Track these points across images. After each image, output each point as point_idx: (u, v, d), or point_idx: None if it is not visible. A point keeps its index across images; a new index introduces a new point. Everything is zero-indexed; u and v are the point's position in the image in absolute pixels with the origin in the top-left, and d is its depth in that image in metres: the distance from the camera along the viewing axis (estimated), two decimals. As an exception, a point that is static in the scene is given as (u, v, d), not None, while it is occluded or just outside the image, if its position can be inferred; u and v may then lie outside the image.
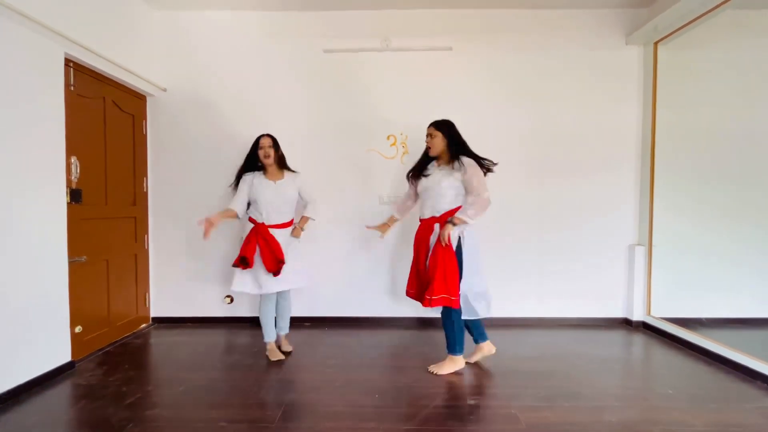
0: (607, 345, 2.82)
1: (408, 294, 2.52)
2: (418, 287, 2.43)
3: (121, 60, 2.78)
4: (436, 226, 2.30)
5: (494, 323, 3.21)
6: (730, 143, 2.80)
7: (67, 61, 2.39)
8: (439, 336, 2.93)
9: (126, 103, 2.97)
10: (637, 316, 3.19)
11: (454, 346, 2.33)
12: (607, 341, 2.90)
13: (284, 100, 3.23)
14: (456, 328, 2.31)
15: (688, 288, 3.02)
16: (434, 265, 2.22)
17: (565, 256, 3.25)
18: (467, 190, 2.28)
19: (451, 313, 2.28)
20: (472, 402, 1.98)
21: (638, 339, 2.95)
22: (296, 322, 3.22)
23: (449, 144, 2.35)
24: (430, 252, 2.30)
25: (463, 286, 2.26)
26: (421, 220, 2.43)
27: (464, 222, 2.21)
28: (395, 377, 2.28)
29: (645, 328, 3.16)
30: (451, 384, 2.19)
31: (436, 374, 2.29)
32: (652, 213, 3.12)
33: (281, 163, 2.60)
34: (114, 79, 2.79)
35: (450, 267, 2.21)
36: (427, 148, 2.41)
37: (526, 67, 3.22)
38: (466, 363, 2.41)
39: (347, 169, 3.24)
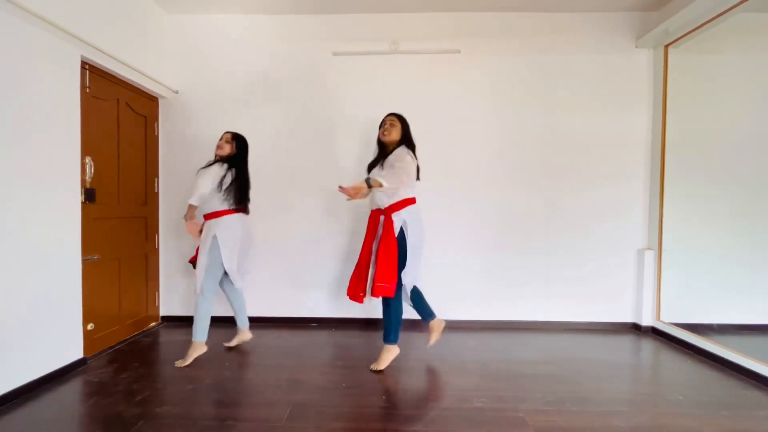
0: (616, 350, 2.80)
1: (351, 294, 2.42)
2: (356, 284, 2.39)
3: (135, 62, 2.83)
4: (381, 218, 2.35)
5: (503, 327, 3.22)
6: (742, 146, 2.76)
7: (83, 64, 2.44)
8: (445, 338, 2.93)
9: (139, 104, 3.02)
10: (646, 321, 3.16)
11: (389, 335, 2.41)
12: (615, 346, 2.87)
13: (293, 102, 3.26)
14: (393, 318, 2.38)
15: (699, 293, 2.98)
16: (378, 254, 2.28)
17: (574, 260, 3.23)
18: (385, 167, 2.31)
19: (390, 302, 2.35)
20: (479, 405, 1.98)
21: (647, 344, 2.92)
22: (303, 323, 3.25)
23: (402, 137, 2.39)
24: (377, 242, 2.36)
25: (405, 278, 2.33)
26: (371, 211, 2.45)
27: (378, 184, 2.16)
28: (402, 379, 2.29)
29: (654, 333, 3.12)
30: (459, 386, 2.19)
31: (378, 370, 2.36)
32: (662, 216, 3.09)
33: (228, 158, 2.55)
34: (128, 81, 2.84)
35: (391, 257, 2.25)
36: (382, 135, 2.40)
37: (534, 70, 3.21)
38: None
39: (355, 170, 3.25)
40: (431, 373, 2.36)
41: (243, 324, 2.77)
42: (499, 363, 2.51)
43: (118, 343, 2.81)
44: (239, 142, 2.61)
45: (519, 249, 3.24)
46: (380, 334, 3.03)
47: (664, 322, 3.06)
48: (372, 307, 3.27)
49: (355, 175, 3.24)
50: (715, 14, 2.60)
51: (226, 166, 2.51)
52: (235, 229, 2.53)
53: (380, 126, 2.46)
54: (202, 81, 3.28)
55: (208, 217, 2.53)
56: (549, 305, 3.25)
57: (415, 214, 2.37)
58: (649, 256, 3.14)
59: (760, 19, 2.58)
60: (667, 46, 3.07)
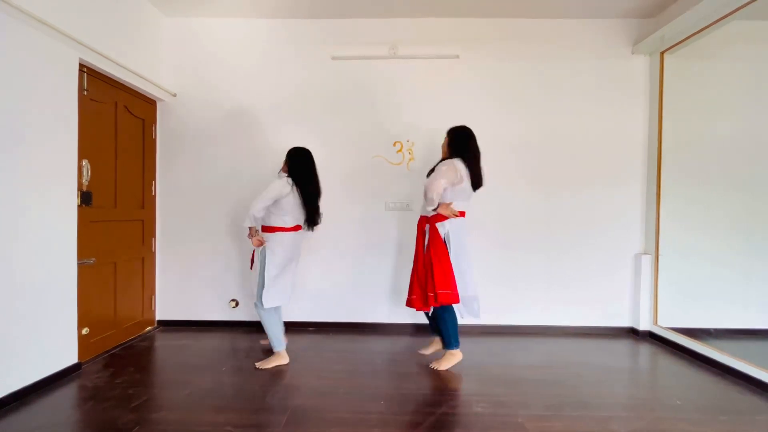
0: (614, 354, 2.80)
1: (411, 302, 2.48)
2: (419, 291, 2.44)
3: (133, 65, 2.83)
4: (427, 226, 2.42)
5: (501, 331, 3.21)
6: (738, 152, 2.79)
7: (81, 66, 2.43)
8: (444, 343, 2.93)
9: (137, 107, 3.01)
10: (643, 325, 3.16)
11: (450, 342, 2.42)
12: (613, 351, 2.87)
13: (292, 107, 3.26)
14: (450, 324, 2.40)
15: (696, 298, 3.00)
16: (433, 263, 2.32)
17: (572, 265, 3.24)
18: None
19: (445, 309, 2.37)
20: (478, 410, 1.97)
21: (645, 349, 2.93)
22: (300, 328, 3.24)
23: (451, 150, 2.47)
24: (425, 251, 2.41)
25: (458, 284, 2.36)
26: (420, 217, 2.55)
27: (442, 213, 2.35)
28: (401, 384, 2.27)
29: (651, 337, 3.13)
30: (458, 391, 2.18)
31: (437, 370, 2.41)
32: (659, 222, 3.10)
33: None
34: (126, 84, 2.83)
35: (445, 263, 2.32)
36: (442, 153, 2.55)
37: (532, 76, 3.23)
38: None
39: (354, 176, 3.25)
40: (430, 377, 2.35)
41: None
42: (498, 368, 2.50)
43: (114, 348, 2.78)
44: (290, 157, 2.53)
45: (517, 253, 3.25)
46: (379, 338, 3.03)
47: (661, 327, 3.07)
48: (369, 311, 3.27)
49: (354, 181, 3.25)
50: (711, 21, 2.64)
51: (292, 184, 2.46)
52: (285, 246, 2.48)
53: None
54: (201, 84, 3.27)
55: (264, 230, 2.52)
56: (547, 310, 3.25)
57: (457, 226, 2.40)
58: (646, 261, 3.15)
59: (754, 27, 2.62)
60: (663, 53, 3.10)
